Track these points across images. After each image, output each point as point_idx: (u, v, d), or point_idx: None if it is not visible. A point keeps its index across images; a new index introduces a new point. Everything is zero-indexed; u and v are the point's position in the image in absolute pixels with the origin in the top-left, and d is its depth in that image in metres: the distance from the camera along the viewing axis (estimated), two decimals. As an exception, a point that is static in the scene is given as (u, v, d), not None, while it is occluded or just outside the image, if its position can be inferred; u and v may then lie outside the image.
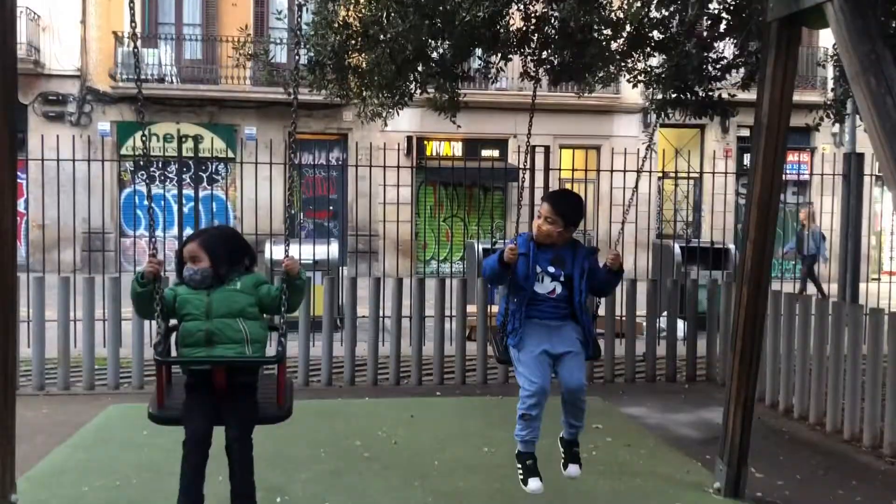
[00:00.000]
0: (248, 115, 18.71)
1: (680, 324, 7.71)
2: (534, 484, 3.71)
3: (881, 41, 2.87)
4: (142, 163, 17.36)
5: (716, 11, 6.38)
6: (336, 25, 5.23)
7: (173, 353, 3.48)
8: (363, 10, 5.26)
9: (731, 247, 11.56)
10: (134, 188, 18.72)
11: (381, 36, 5.18)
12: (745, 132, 20.02)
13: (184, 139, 18.31)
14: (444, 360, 7.30)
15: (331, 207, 18.84)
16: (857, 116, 8.91)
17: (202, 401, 3.23)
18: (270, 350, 3.50)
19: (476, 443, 5.30)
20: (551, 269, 3.75)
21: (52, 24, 18.19)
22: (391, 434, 5.47)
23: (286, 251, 3.40)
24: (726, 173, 13.90)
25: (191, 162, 17.82)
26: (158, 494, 4.22)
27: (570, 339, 3.74)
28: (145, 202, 17.57)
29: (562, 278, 3.76)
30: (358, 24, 5.25)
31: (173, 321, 3.38)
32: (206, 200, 16.98)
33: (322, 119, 18.31)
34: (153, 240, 3.27)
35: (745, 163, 20.30)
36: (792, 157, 20.08)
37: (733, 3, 6.07)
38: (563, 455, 3.93)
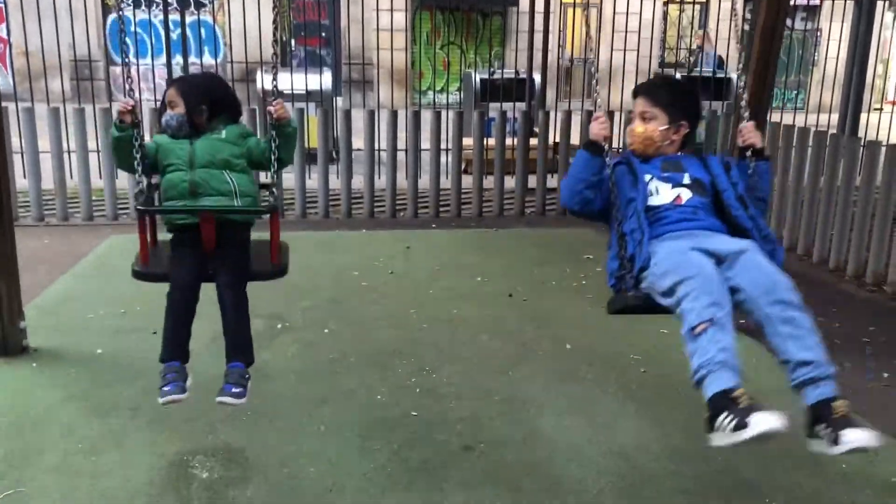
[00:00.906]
0: (234, -67, 17.64)
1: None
2: (762, 420, 2.00)
3: None
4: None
5: None
6: None
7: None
8: None
9: (734, 76, 11.29)
10: (120, 13, 18.01)
11: None
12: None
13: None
14: (440, 194, 7.34)
15: (323, 34, 18.20)
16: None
17: (187, 255, 3.05)
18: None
19: (470, 273, 5.44)
20: (665, 174, 2.72)
21: None
22: (387, 264, 5.61)
23: (274, 91, 3.13)
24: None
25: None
26: (160, 321, 4.36)
27: (737, 241, 2.53)
28: (132, 29, 16.97)
29: (684, 181, 2.70)
30: None
31: (156, 179, 3.18)
32: (193, 26, 16.38)
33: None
34: (128, 77, 3.02)
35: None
36: (802, -19, 19.22)
37: None
38: (821, 429, 2.18)
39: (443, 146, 7.33)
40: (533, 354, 4.09)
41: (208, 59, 17.43)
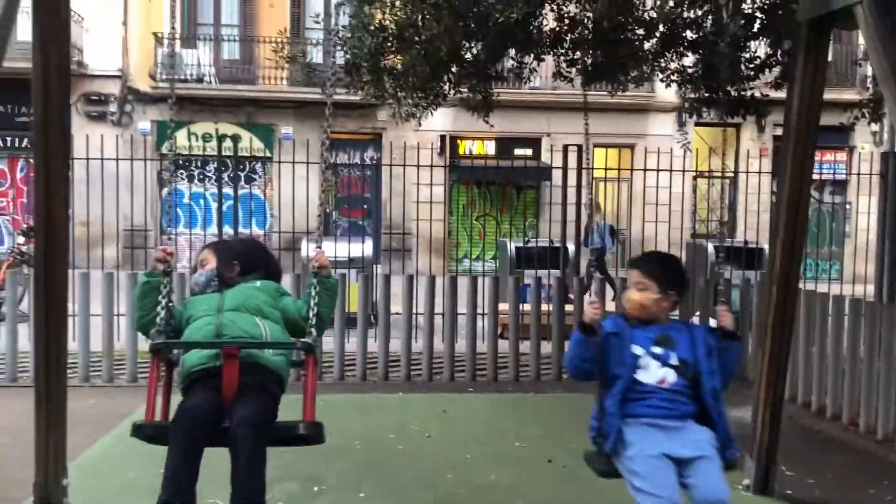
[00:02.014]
0: (285, 115, 18.97)
1: (712, 323, 7.70)
2: None
3: (908, 41, 2.92)
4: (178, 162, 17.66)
5: (749, 11, 6.41)
6: (372, 28, 5.38)
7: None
8: (398, 13, 5.40)
9: (766, 246, 11.49)
10: (175, 187, 19.08)
11: (416, 38, 5.31)
12: (781, 131, 19.82)
13: (222, 139, 18.73)
14: (476, 357, 7.40)
15: (364, 206, 19.03)
16: (895, 115, 8.81)
17: (206, 394, 2.79)
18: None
19: (508, 438, 5.40)
20: (656, 351, 2.89)
21: (94, 25, 18.60)
22: (424, 428, 5.59)
23: (318, 246, 3.19)
24: (761, 172, 13.83)
25: (229, 161, 18.18)
26: (204, 480, 4.37)
27: (699, 442, 2.80)
28: (185, 201, 17.98)
29: (673, 362, 2.89)
30: (393, 27, 5.39)
31: (175, 353, 2.99)
32: (244, 199, 17.26)
33: (357, 118, 18.48)
34: (168, 238, 3.19)
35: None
36: (829, 156, 19.84)
37: (766, 2, 6.08)
38: None
39: (479, 311, 7.47)
40: (572, 522, 3.99)
41: (256, 230, 18.25)
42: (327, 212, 19.16)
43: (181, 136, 18.44)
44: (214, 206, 18.99)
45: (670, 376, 2.84)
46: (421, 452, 5.06)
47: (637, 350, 2.88)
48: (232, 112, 18.86)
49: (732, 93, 6.47)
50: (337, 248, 8.81)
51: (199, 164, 18.66)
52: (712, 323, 3.22)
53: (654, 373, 2.84)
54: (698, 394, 2.85)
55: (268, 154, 18.95)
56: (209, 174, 18.93)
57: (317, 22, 7.89)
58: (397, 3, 5.42)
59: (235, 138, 18.54)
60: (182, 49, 18.59)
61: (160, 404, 2.93)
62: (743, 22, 6.60)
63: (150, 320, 2.93)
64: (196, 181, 18.94)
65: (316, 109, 18.04)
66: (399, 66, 5.71)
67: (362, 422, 5.67)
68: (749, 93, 6.49)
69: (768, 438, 4.28)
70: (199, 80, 18.58)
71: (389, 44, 5.47)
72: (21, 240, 11.09)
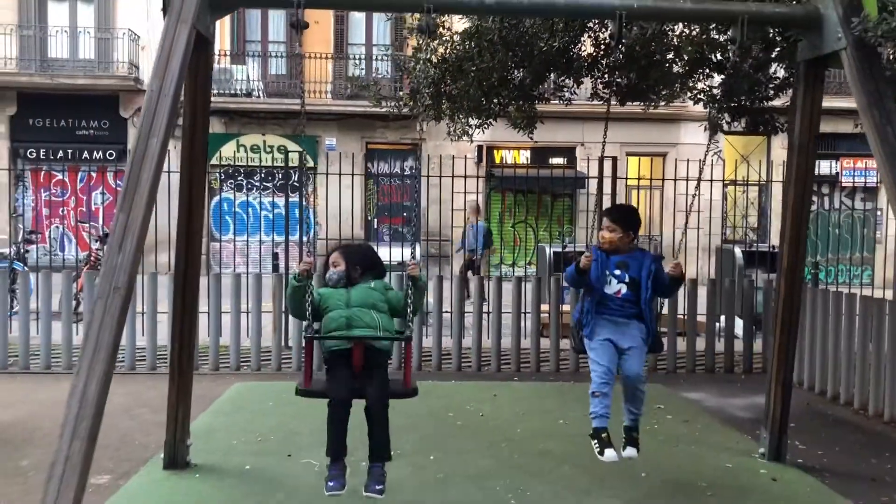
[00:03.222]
0: (329, 127, 19.87)
1: (738, 322, 8.38)
2: (609, 453, 4.07)
3: (883, 81, 3.62)
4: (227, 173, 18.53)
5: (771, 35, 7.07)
6: (435, 61, 6.17)
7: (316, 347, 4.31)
8: (458, 47, 6.18)
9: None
10: (221, 196, 20.06)
11: (472, 69, 6.09)
12: (812, 139, 20.23)
13: (269, 150, 19.71)
14: (521, 352, 8.14)
15: (404, 213, 19.83)
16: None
17: (343, 374, 3.91)
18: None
19: (553, 417, 6.15)
20: (617, 272, 4.30)
21: (150, 43, 19.68)
22: (478, 409, 6.36)
23: (412, 257, 4.28)
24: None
25: (276, 171, 19.15)
26: (294, 447, 5.20)
27: (634, 336, 4.24)
28: (233, 209, 19.01)
29: (626, 279, 4.28)
30: (453, 59, 6.17)
31: (317, 325, 4.08)
32: (292, 207, 18.17)
33: (397, 129, 19.32)
34: (307, 246, 4.26)
35: (811, 169, 20.48)
36: (860, 163, 20.27)
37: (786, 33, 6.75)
38: (623, 438, 4.29)
39: (522, 310, 8.22)
40: (611, 481, 4.72)
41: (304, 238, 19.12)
42: (368, 219, 20.07)
43: (230, 148, 19.42)
44: (262, 213, 20.05)
45: (623, 289, 4.30)
46: (478, 427, 5.83)
47: (606, 272, 4.33)
48: (279, 124, 19.82)
49: (752, 108, 7.14)
50: (389, 254, 9.58)
51: (246, 173, 19.62)
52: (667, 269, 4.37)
53: (613, 287, 4.31)
54: (639, 301, 4.28)
55: (313, 164, 19.84)
56: (256, 183, 19.90)
57: (385, 57, 8.64)
58: (456, 38, 6.22)
59: (282, 149, 19.46)
60: (232, 65, 19.58)
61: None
62: (764, 46, 7.30)
63: (300, 311, 4.04)
64: (244, 190, 19.89)
65: (358, 121, 18.96)
66: (455, 91, 6.49)
67: (423, 404, 6.40)
68: (766, 108, 7.14)
69: (780, 413, 4.97)
70: (248, 94, 19.58)
71: (450, 74, 6.26)
72: (96, 245, 11.96)
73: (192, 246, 4.41)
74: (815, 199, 20.79)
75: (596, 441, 4.14)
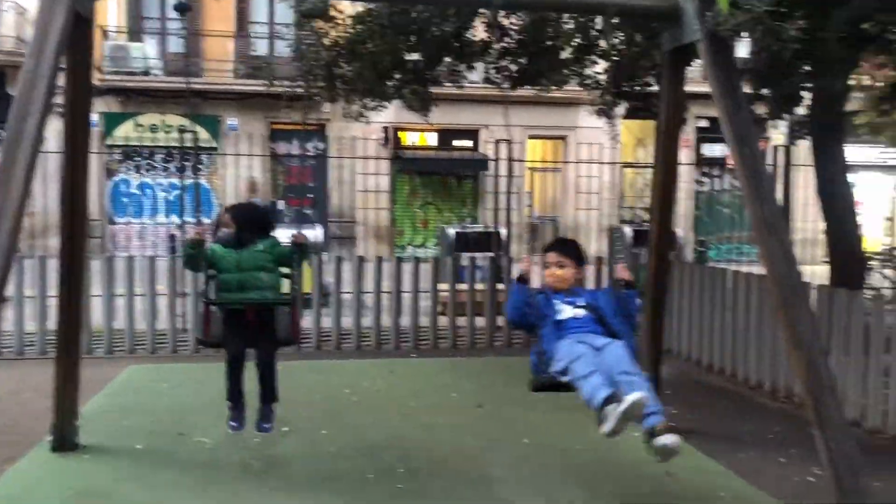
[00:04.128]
0: (230, 107, 19.48)
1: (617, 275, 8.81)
2: (629, 397, 3.25)
3: (735, 71, 3.94)
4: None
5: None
6: (328, 43, 6.24)
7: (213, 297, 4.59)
8: (351, 30, 6.26)
9: (679, 231, 12.69)
10: (118, 177, 19.44)
11: (365, 51, 6.19)
12: (704, 123, 21.20)
13: (168, 129, 19.21)
14: (419, 330, 8.35)
15: (310, 195, 19.70)
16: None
17: (237, 331, 4.37)
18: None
19: (446, 391, 6.38)
20: (568, 299, 3.81)
21: (38, 17, 18.81)
22: (374, 385, 6.53)
23: (299, 230, 4.56)
24: (687, 164, 15.01)
25: (175, 152, 18.70)
26: (186, 426, 5.25)
27: (605, 339, 3.62)
28: (131, 190, 18.50)
29: (580, 304, 3.79)
30: (345, 43, 6.26)
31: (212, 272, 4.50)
32: (191, 189, 17.80)
33: (301, 109, 19.11)
34: (199, 220, 4.40)
35: (703, 153, 21.51)
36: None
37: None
38: (654, 437, 3.46)
39: (421, 289, 8.41)
40: (498, 446, 4.98)
41: (203, 219, 18.77)
42: (273, 201, 19.87)
43: (128, 128, 18.83)
44: (161, 195, 19.55)
45: (580, 312, 3.76)
46: (373, 402, 6.00)
47: (555, 301, 3.81)
48: (178, 104, 19.31)
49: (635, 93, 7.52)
50: (287, 234, 9.58)
51: (145, 154, 19.08)
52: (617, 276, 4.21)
53: (567, 312, 3.76)
54: (603, 322, 3.73)
55: (213, 145, 19.44)
56: (156, 164, 19.37)
57: (280, 37, 8.62)
58: (349, 22, 6.31)
59: (182, 129, 18.97)
60: (128, 42, 18.95)
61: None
62: (647, 35, 7.67)
63: (194, 269, 4.59)
64: (143, 171, 19.34)
65: (260, 101, 18.65)
66: (349, 74, 6.58)
67: (320, 381, 6.57)
68: (648, 93, 7.51)
69: (653, 380, 5.31)
70: (146, 72, 18.99)
71: (342, 57, 6.35)
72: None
73: (77, 227, 4.38)
74: (705, 180, 21.83)
75: (612, 404, 3.27)
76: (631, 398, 3.21)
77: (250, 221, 4.57)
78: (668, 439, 3.35)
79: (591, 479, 4.47)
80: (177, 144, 18.15)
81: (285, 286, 4.62)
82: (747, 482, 4.50)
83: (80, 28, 3.84)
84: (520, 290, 3.79)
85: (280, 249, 4.52)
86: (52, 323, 7.55)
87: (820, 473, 4.40)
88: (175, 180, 19.19)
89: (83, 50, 4.09)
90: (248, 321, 4.36)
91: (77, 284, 4.54)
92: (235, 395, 4.43)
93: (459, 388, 6.45)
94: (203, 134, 18.99)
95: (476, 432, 5.31)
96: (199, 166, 19.70)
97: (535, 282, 3.99)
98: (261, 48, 19.41)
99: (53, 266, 7.63)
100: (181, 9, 4.07)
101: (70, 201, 4.29)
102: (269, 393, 4.50)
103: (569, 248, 4.03)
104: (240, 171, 18.56)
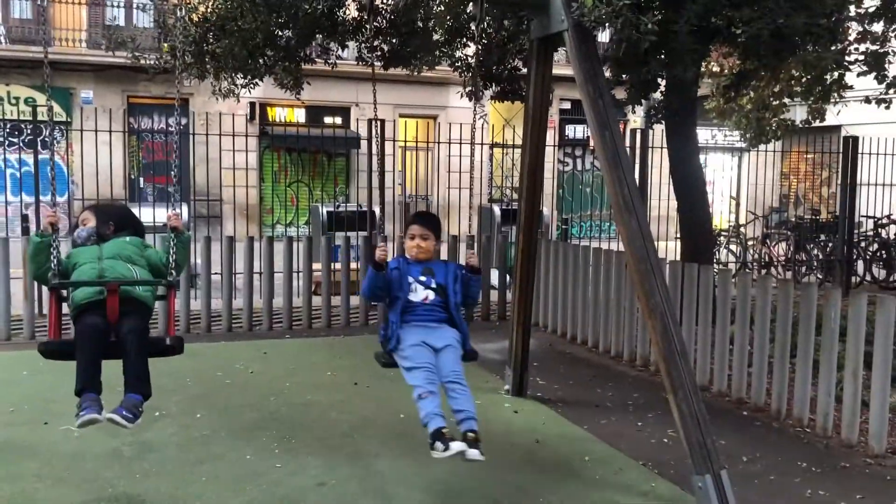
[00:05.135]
0: (84, 79, 18.45)
1: (494, 274, 9.11)
2: (455, 445, 3.51)
3: (597, 61, 4.18)
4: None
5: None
6: (196, 20, 6.06)
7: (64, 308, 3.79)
8: (220, 7, 6.11)
9: (545, 209, 13.15)
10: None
11: (235, 28, 6.06)
12: (567, 105, 22.03)
13: (13, 102, 17.94)
14: (293, 310, 8.30)
15: (171, 172, 18.96)
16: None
17: (96, 316, 3.55)
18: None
19: (321, 370, 6.41)
20: (423, 278, 4.03)
21: None
22: (247, 366, 6.47)
23: (173, 206, 4.08)
24: (551, 145, 15.50)
25: (24, 126, 17.53)
26: (50, 415, 5.02)
27: (448, 337, 3.93)
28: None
29: (433, 285, 4.03)
30: (215, 19, 6.10)
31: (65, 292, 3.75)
32: (43, 165, 16.74)
33: (162, 84, 18.33)
34: (70, 206, 3.96)
35: (567, 134, 22.33)
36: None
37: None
38: (464, 444, 3.58)
39: (294, 269, 8.36)
40: (372, 423, 5.08)
41: (57, 197, 17.71)
42: (131, 178, 18.99)
43: (-33, 99, 17.47)
44: (8, 172, 18.25)
45: (431, 295, 4.04)
46: (246, 384, 5.95)
47: (410, 279, 4.05)
48: (25, 74, 18.06)
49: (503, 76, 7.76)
50: (153, 214, 9.25)
51: (-12, 128, 17.77)
52: (462, 261, 4.34)
53: (420, 293, 4.03)
54: (447, 306, 4.05)
55: (66, 119, 18.36)
56: (0, 139, 18.07)
57: (146, 11, 8.24)
58: (218, -2, 6.16)
59: (30, 101, 17.79)
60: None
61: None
62: (515, 19, 7.90)
63: (45, 271, 3.70)
64: (-12, 146, 18.02)
65: (117, 73, 17.74)
66: (219, 51, 6.41)
67: (191, 364, 6.40)
68: (515, 76, 7.77)
69: (521, 352, 5.59)
70: (-14, 39, 17.65)
71: (211, 33, 6.18)
72: None
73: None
74: (568, 161, 22.70)
75: (438, 441, 3.50)
76: (457, 448, 3.48)
77: (115, 217, 4.03)
78: (473, 454, 3.52)
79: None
80: (25, 118, 17.01)
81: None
82: (609, 445, 4.82)
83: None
84: (375, 276, 3.98)
85: (150, 253, 3.94)
86: None
87: (673, 434, 4.81)
88: (23, 156, 17.99)
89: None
90: (109, 314, 3.55)
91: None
92: (88, 378, 3.48)
93: (334, 367, 6.50)
94: (55, 108, 17.89)
95: (352, 409, 5.38)
96: (53, 141, 18.58)
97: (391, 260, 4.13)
98: (113, 16, 18.46)
99: None
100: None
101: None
102: (139, 378, 3.55)
103: (432, 221, 4.26)
104: (100, 148, 17.64)
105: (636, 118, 23.42)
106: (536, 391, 5.95)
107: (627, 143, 10.86)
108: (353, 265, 8.71)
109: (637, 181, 10.28)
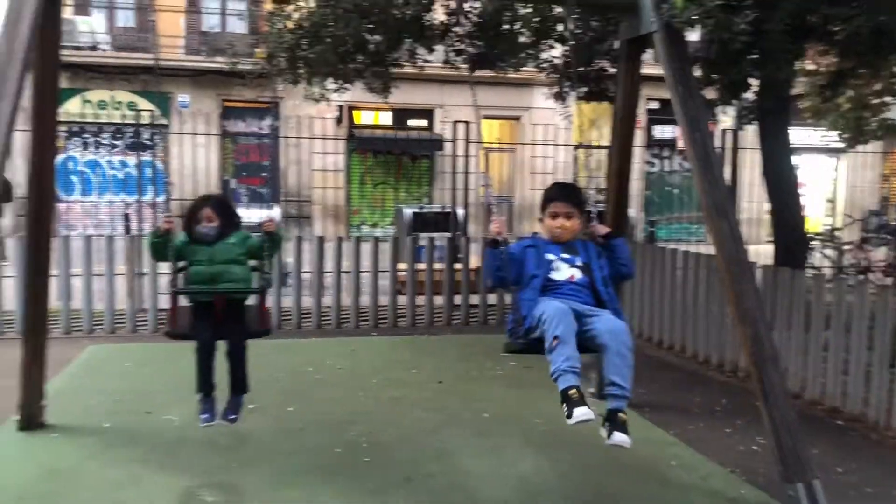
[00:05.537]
0: (182, 84, 19.19)
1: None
2: (579, 412, 3.08)
3: (687, 61, 4.15)
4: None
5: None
6: (291, 27, 6.29)
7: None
8: (313, 14, 6.32)
9: (632, 211, 12.99)
10: (66, 154, 19.06)
11: (328, 34, 6.26)
12: (655, 105, 21.60)
13: (117, 106, 18.85)
14: (378, 309, 8.48)
15: (263, 174, 19.59)
16: None
17: (206, 321, 4.22)
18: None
19: (406, 367, 6.54)
20: (565, 256, 3.51)
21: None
22: (336, 363, 6.66)
23: (270, 217, 4.52)
24: (638, 146, 15.30)
25: (126, 128, 18.40)
26: (152, 405, 5.31)
27: (593, 308, 3.40)
28: (79, 168, 18.13)
29: (579, 263, 3.50)
30: (308, 25, 6.31)
31: (182, 263, 4.33)
32: (145, 166, 17.53)
33: (255, 87, 18.90)
34: (168, 207, 4.33)
35: (654, 134, 21.93)
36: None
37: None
38: (607, 424, 3.24)
39: (380, 269, 8.53)
40: (457, 420, 5.16)
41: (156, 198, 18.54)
42: (225, 179, 19.69)
43: (75, 104, 18.41)
44: (111, 173, 19.22)
45: (577, 274, 3.48)
46: (335, 380, 6.13)
47: (551, 257, 3.51)
48: (128, 80, 18.94)
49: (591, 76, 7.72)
50: (248, 214, 9.61)
51: (94, 131, 18.72)
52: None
53: (564, 272, 3.47)
54: (594, 287, 3.48)
55: (164, 122, 19.15)
56: (104, 142, 19.03)
57: (241, 18, 8.60)
58: (312, 4, 6.36)
59: (132, 106, 18.66)
60: (75, 16, 18.49)
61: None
62: (604, 20, 7.85)
63: (161, 259, 4.36)
64: (91, 148, 18.98)
65: (213, 78, 18.42)
66: (311, 56, 6.62)
67: (284, 359, 6.66)
68: (603, 76, 7.72)
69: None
70: (94, 47, 18.58)
71: (305, 40, 6.40)
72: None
73: (43, 207, 4.40)
74: (656, 161, 22.29)
75: (564, 403, 3.13)
76: (580, 416, 3.04)
77: (230, 216, 4.44)
78: (618, 438, 3.15)
79: (547, 450, 4.66)
80: (127, 121, 17.85)
81: (254, 279, 4.48)
82: (696, 451, 4.76)
83: (49, 8, 3.84)
84: (493, 255, 3.48)
85: (251, 242, 4.41)
86: (8, 303, 7.53)
87: (763, 442, 4.71)
88: (125, 158, 18.90)
89: (53, 30, 4.08)
90: (217, 312, 4.22)
91: (44, 265, 4.55)
92: (206, 386, 4.23)
93: (419, 365, 6.62)
94: (154, 111, 18.72)
95: (437, 407, 5.48)
96: (152, 143, 19.45)
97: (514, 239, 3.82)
98: (209, 23, 19.17)
99: (9, 246, 7.60)
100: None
101: (37, 182, 4.30)
102: (239, 383, 4.33)
103: (577, 195, 3.68)
104: (196, 150, 18.37)
105: (727, 118, 22.87)
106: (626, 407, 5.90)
107: (718, 143, 10.63)
108: (437, 265, 8.83)
109: (728, 183, 10.07)
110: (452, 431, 4.96)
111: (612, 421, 3.19)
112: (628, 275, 3.76)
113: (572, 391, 3.11)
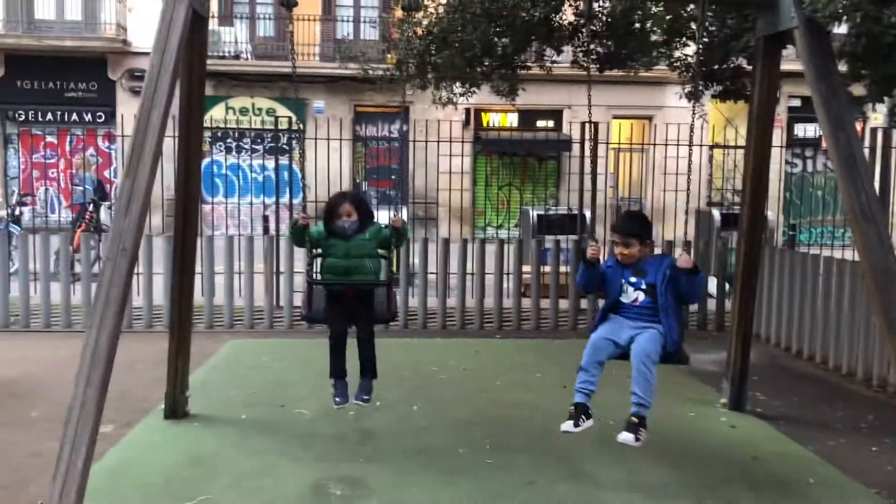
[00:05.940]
0: (317, 90, 19.93)
1: (712, 281, 8.74)
2: (565, 425, 4.01)
3: (830, 58, 3.91)
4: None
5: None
6: (420, 33, 6.41)
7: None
8: (442, 20, 6.42)
9: (770, 214, 12.38)
10: (211, 158, 20.18)
11: (456, 39, 6.34)
12: (797, 102, 20.49)
13: (257, 112, 19.81)
14: (503, 311, 8.50)
15: (393, 176, 20.05)
16: None
17: (338, 309, 4.57)
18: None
19: (530, 370, 6.52)
20: (633, 280, 4.10)
21: (137, 3, 19.64)
22: (460, 363, 6.73)
23: (397, 214, 4.78)
24: (778, 145, 14.57)
25: (265, 134, 19.29)
26: (287, 398, 5.55)
27: (635, 331, 4.03)
28: (223, 171, 19.19)
29: (643, 286, 4.07)
30: (437, 31, 6.42)
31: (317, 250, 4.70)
32: (283, 170, 18.35)
33: (386, 93, 19.43)
34: (304, 204, 4.74)
35: (795, 133, 20.82)
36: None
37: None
38: (624, 424, 3.99)
39: (504, 271, 8.55)
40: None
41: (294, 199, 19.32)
42: (356, 182, 20.29)
43: (219, 111, 19.48)
44: (252, 176, 20.24)
45: (641, 297, 4.10)
46: (459, 380, 6.19)
47: (623, 281, 4.17)
48: (266, 87, 19.87)
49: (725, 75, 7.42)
50: (377, 217, 9.85)
51: (236, 136, 19.74)
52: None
53: (630, 295, 4.13)
54: (657, 308, 4.05)
55: (300, 127, 19.93)
56: (245, 146, 20.02)
57: (373, 26, 8.86)
58: (440, 11, 6.47)
59: (271, 112, 19.56)
60: (220, 27, 19.58)
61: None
62: (738, 16, 7.53)
63: (299, 245, 4.80)
64: (233, 153, 20.02)
65: (346, 84, 19.05)
66: (440, 62, 6.73)
67: (409, 358, 6.80)
68: (738, 74, 7.40)
69: (740, 365, 5.34)
70: (237, 56, 19.62)
71: (434, 45, 6.51)
72: (91, 207, 12.19)
73: (190, 209, 4.71)
74: (797, 161, 21.17)
75: (571, 419, 4.02)
76: (564, 428, 3.99)
77: (367, 212, 4.69)
78: (623, 437, 3.87)
79: (675, 461, 4.54)
80: (267, 127, 18.73)
81: (383, 271, 4.79)
82: (838, 469, 4.49)
83: (196, 23, 4.10)
84: (585, 272, 4.24)
85: (383, 234, 4.66)
86: (158, 298, 8.07)
87: (914, 463, 4.39)
88: (264, 162, 19.85)
89: (199, 43, 4.36)
90: (348, 300, 4.56)
91: (190, 263, 4.87)
92: (339, 371, 4.60)
93: (543, 369, 6.58)
94: (292, 117, 19.56)
95: (560, 411, 5.34)
96: (289, 148, 20.33)
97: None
98: (343, 31, 19.83)
99: (158, 245, 8.13)
100: (288, 5, 4.27)
101: (184, 185, 4.61)
102: (369, 367, 4.68)
103: (633, 227, 4.25)
104: (329, 154, 19.03)
105: (877, 116, 21.40)
106: (756, 406, 5.66)
107: (867, 143, 9.98)
108: (562, 269, 8.75)
109: (877, 186, 9.43)
110: (576, 437, 4.86)
111: (627, 422, 3.93)
112: (692, 302, 4.63)
113: (572, 407, 4.05)
